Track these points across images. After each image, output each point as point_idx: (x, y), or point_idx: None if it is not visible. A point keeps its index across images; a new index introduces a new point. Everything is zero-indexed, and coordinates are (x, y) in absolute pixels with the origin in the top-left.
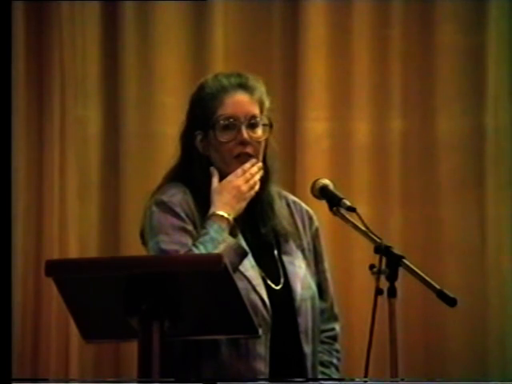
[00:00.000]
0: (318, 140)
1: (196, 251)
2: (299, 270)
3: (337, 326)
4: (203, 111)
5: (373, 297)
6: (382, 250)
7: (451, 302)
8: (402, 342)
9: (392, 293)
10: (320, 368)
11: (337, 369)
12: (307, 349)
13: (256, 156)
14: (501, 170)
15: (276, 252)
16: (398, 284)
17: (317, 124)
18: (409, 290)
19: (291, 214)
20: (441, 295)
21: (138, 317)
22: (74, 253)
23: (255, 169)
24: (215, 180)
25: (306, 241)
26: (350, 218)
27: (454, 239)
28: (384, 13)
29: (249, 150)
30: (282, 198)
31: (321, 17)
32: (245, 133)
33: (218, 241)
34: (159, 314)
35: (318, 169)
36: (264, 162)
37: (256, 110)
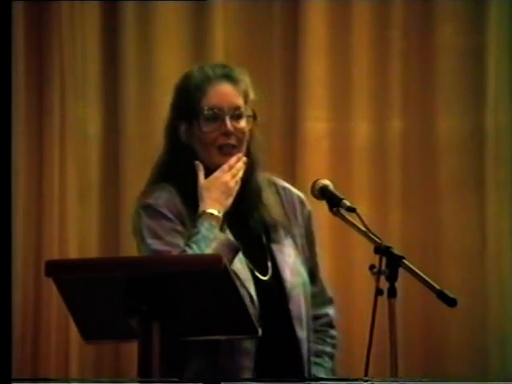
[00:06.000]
0: (318, 140)
1: (190, 251)
2: (288, 258)
3: (330, 311)
4: (187, 101)
5: (373, 297)
6: (381, 250)
7: (451, 302)
8: (401, 341)
9: (392, 293)
10: (312, 358)
11: (330, 357)
12: (301, 334)
13: (239, 147)
14: (501, 170)
15: (265, 241)
16: (398, 284)
17: (317, 124)
18: (409, 291)
19: (281, 202)
20: (441, 295)
21: (137, 317)
22: (74, 253)
23: (240, 164)
24: (201, 175)
25: (298, 227)
26: (350, 218)
27: (454, 239)
28: (384, 13)
29: (232, 141)
30: (272, 185)
31: (321, 17)
32: (229, 124)
33: (209, 239)
34: (159, 314)
35: (318, 169)
36: (249, 152)
37: (240, 101)
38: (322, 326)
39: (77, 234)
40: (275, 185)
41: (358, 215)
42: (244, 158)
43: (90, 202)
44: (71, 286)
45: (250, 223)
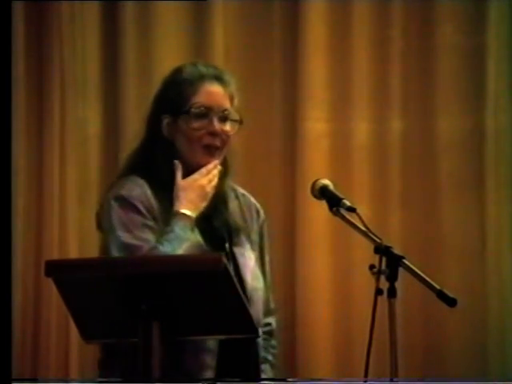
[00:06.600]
0: (317, 140)
1: (161, 248)
2: (249, 261)
3: (273, 321)
4: (177, 95)
5: (373, 297)
6: (381, 250)
7: (451, 302)
8: (401, 342)
9: (392, 293)
10: None
11: (271, 365)
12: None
13: (222, 149)
14: (501, 170)
15: (227, 245)
16: (397, 284)
17: (317, 124)
18: (409, 290)
19: (240, 207)
20: (441, 295)
21: (137, 317)
22: (74, 253)
23: (216, 171)
24: (179, 175)
25: (254, 234)
26: (349, 218)
27: (454, 239)
28: (384, 13)
29: (217, 142)
30: (232, 191)
31: (321, 17)
32: (216, 124)
33: (182, 239)
34: (159, 314)
35: (318, 169)
36: (226, 159)
37: (228, 104)
38: (264, 334)
39: (77, 234)
40: (234, 190)
41: (357, 215)
42: (219, 167)
43: (89, 202)
44: (71, 286)
45: (214, 226)
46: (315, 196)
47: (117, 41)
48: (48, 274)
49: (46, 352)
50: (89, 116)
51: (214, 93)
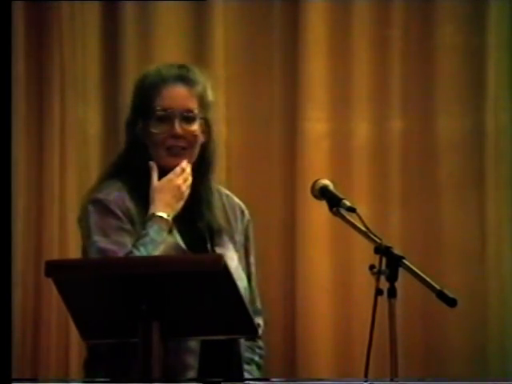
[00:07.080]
0: (318, 140)
1: (136, 252)
2: (231, 261)
3: (260, 321)
4: (142, 100)
5: (373, 297)
6: (381, 250)
7: (451, 302)
8: (401, 342)
9: (392, 293)
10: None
11: (258, 366)
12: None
13: (189, 149)
14: (501, 170)
15: (209, 245)
16: (398, 284)
17: (317, 124)
18: (409, 291)
19: (223, 208)
20: (441, 296)
21: (137, 317)
22: (73, 253)
23: (189, 169)
24: (155, 176)
25: (238, 235)
26: (350, 218)
27: (454, 239)
28: (384, 13)
29: (181, 143)
30: (216, 191)
31: (321, 17)
32: (177, 126)
33: (157, 242)
34: (159, 314)
35: (318, 169)
36: (204, 156)
37: (193, 104)
38: None
39: (77, 234)
40: (219, 191)
41: (358, 215)
42: (189, 165)
43: None
44: (71, 286)
45: (197, 226)
46: (315, 196)
47: (117, 41)
48: (48, 274)
49: (46, 352)
50: (89, 116)
51: (175, 94)
